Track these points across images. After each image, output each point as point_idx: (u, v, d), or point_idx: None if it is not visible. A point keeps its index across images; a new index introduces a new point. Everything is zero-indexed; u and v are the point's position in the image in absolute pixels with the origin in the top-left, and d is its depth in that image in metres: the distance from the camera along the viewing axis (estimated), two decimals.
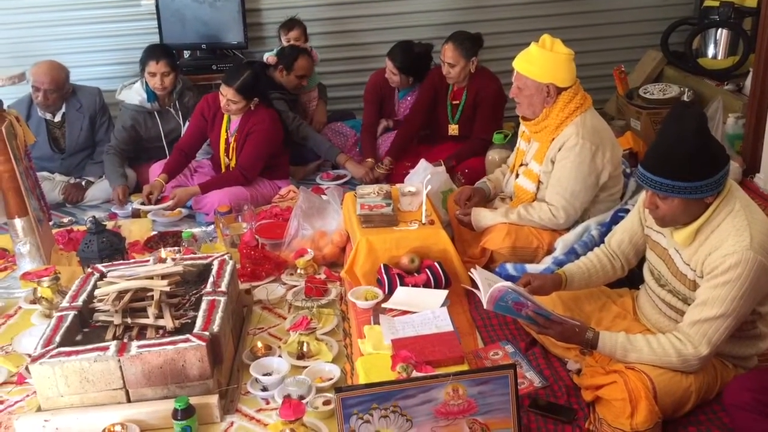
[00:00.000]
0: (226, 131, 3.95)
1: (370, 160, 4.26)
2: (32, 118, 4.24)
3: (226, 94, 3.78)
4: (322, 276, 3.13)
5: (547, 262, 2.83)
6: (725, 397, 1.98)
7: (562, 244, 2.84)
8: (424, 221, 2.99)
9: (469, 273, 2.34)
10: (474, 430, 1.92)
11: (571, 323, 2.15)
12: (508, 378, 1.92)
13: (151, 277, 2.59)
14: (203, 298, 2.54)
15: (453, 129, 4.16)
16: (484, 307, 2.19)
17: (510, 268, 2.83)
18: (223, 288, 2.61)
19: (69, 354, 2.24)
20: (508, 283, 2.14)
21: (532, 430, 2.13)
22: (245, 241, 3.22)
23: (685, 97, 4.60)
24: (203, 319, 2.41)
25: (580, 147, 2.83)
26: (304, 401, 2.25)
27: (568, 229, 2.94)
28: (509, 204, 3.16)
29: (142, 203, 3.92)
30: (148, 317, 2.47)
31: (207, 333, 2.32)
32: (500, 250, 2.92)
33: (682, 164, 1.99)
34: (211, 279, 2.66)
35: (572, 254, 2.77)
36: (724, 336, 2.04)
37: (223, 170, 4.01)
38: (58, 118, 4.27)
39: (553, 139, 2.91)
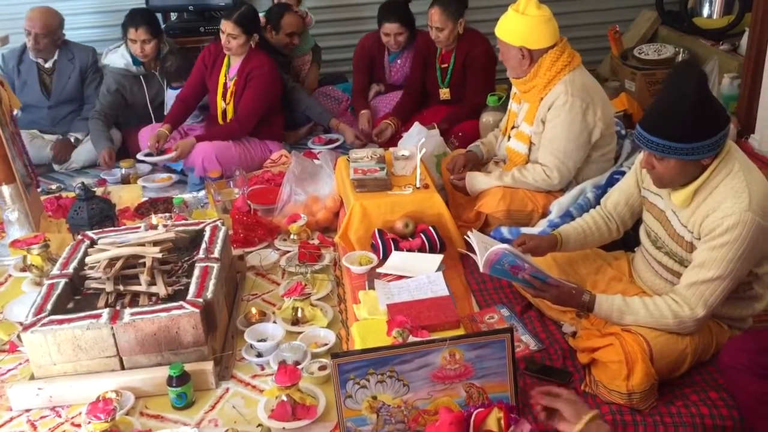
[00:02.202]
0: (225, 75, 3.92)
1: (365, 111, 4.20)
2: (24, 62, 4.26)
3: (226, 29, 3.78)
4: (316, 241, 3.11)
5: (542, 225, 2.80)
6: (721, 358, 1.97)
7: (557, 207, 2.82)
8: (418, 185, 2.95)
9: (465, 236, 2.32)
10: (471, 394, 1.91)
11: (567, 286, 2.14)
12: (505, 342, 1.91)
13: (143, 244, 2.56)
14: (196, 264, 2.51)
15: (444, 93, 4.10)
16: (480, 270, 2.17)
17: (505, 231, 2.81)
18: (216, 254, 2.58)
19: (61, 322, 2.22)
20: (505, 246, 2.11)
21: (527, 393, 2.13)
22: (237, 206, 3.18)
23: (680, 58, 4.56)
24: (196, 285, 2.38)
25: (570, 105, 2.80)
26: (299, 367, 2.25)
27: (563, 192, 2.92)
28: (503, 167, 3.13)
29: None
30: (140, 284, 2.45)
31: (200, 300, 2.30)
32: (495, 214, 2.89)
33: (679, 125, 1.96)
34: (203, 245, 2.63)
35: (568, 217, 2.75)
36: (721, 298, 2.03)
37: (219, 116, 3.98)
38: (49, 65, 4.25)
39: (542, 99, 2.88)
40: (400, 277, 2.59)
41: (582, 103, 2.81)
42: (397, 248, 2.75)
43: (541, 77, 2.86)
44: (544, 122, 2.89)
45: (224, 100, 3.93)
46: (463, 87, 4.04)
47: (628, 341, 2.03)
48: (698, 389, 2.09)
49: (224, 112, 3.94)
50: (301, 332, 2.48)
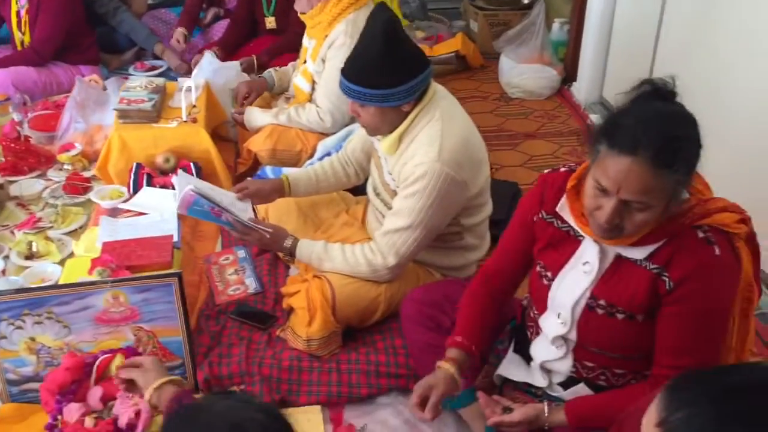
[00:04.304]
0: (17, 2, 3.66)
1: (180, 29, 4.00)
2: None
3: None
4: (91, 173, 2.99)
5: (306, 166, 2.74)
6: (400, 308, 1.96)
7: (321, 147, 2.76)
8: (185, 119, 2.85)
9: (171, 180, 2.24)
10: (140, 337, 1.87)
11: (263, 230, 2.09)
12: (173, 286, 1.86)
13: None
14: None
15: (270, 21, 3.93)
16: (177, 211, 2.11)
17: (269, 171, 2.73)
18: None
19: None
20: (192, 186, 2.03)
21: (223, 336, 2.11)
22: (5, 132, 3.03)
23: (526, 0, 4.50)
24: None
25: (348, 47, 2.69)
26: None
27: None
28: (291, 103, 3.04)
29: None
30: None
31: None
32: (261, 152, 2.82)
33: (370, 72, 1.91)
34: None
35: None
36: (413, 247, 2.01)
37: (19, 47, 3.75)
38: None
39: (326, 37, 2.78)
40: (141, 214, 2.51)
41: None
42: (150, 184, 2.66)
43: (327, 14, 2.75)
44: (324, 61, 2.80)
45: (20, 30, 3.69)
46: (289, 15, 3.88)
47: (313, 288, 2.01)
48: (387, 336, 2.10)
49: (22, 43, 3.71)
50: (30, 267, 2.40)
